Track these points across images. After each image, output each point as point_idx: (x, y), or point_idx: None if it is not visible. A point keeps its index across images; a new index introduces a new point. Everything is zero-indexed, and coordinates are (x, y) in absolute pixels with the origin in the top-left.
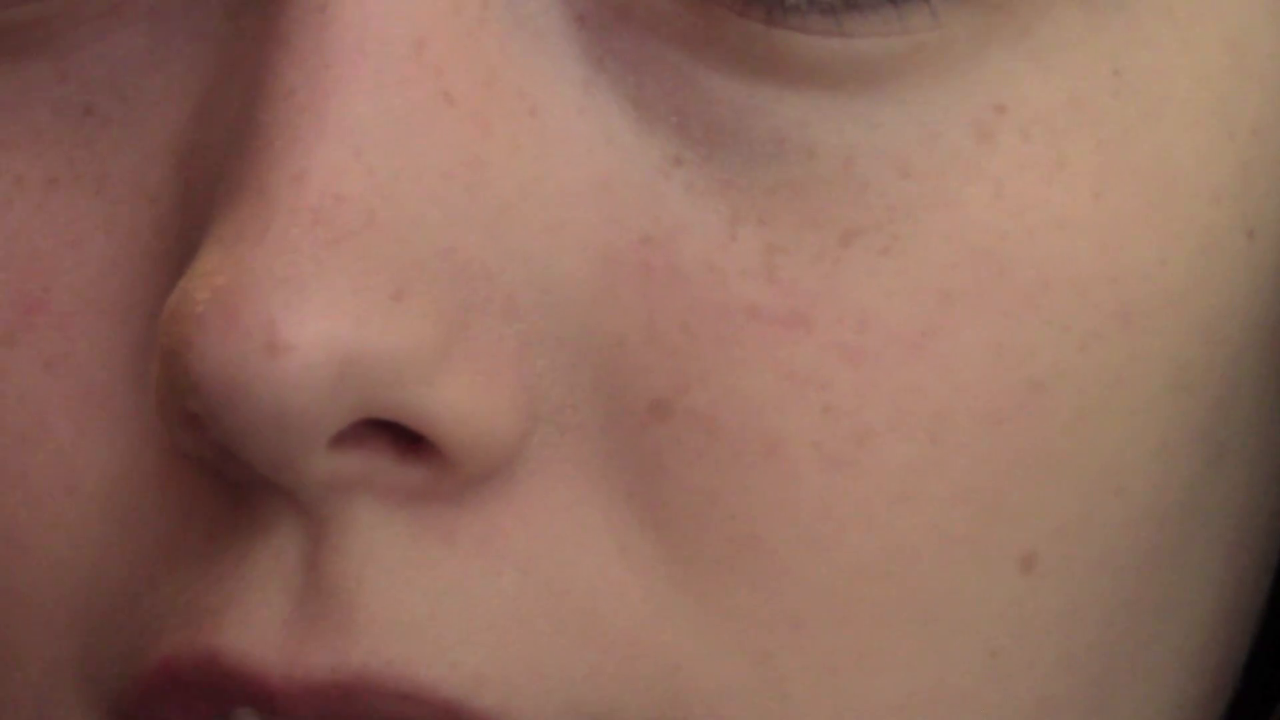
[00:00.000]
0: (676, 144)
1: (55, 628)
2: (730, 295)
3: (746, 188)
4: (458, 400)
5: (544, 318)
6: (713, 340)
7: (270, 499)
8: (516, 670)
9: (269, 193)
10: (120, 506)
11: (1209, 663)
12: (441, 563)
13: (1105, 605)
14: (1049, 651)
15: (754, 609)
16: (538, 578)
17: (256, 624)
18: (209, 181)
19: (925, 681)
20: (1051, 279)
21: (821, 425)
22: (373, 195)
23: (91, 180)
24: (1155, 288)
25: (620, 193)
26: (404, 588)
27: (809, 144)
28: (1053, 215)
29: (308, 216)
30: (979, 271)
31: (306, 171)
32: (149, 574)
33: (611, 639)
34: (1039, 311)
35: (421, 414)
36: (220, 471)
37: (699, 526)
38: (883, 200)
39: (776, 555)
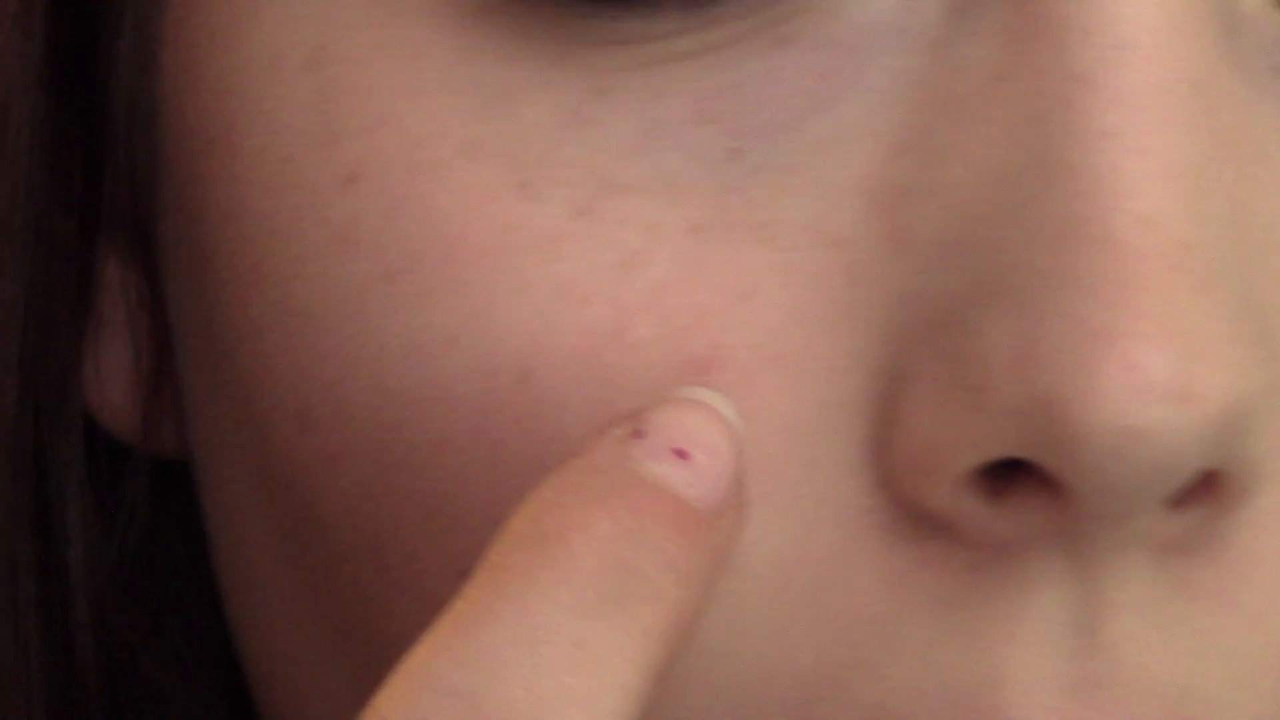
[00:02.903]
0: None
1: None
2: None
3: None
4: (1268, 444)
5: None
6: None
7: (1041, 559)
8: None
9: (1117, 237)
10: (798, 582)
11: None
12: (1189, 618)
13: None
14: None
15: None
16: (1267, 628)
17: (1043, 694)
18: (954, 225)
19: None
20: None
21: None
22: (1207, 242)
23: (749, 228)
24: None
25: None
26: (1173, 645)
27: None
28: None
29: (1168, 263)
30: None
31: (1153, 217)
32: (854, 654)
33: None
34: None
35: (1251, 459)
36: (961, 534)
37: None
38: None
39: None
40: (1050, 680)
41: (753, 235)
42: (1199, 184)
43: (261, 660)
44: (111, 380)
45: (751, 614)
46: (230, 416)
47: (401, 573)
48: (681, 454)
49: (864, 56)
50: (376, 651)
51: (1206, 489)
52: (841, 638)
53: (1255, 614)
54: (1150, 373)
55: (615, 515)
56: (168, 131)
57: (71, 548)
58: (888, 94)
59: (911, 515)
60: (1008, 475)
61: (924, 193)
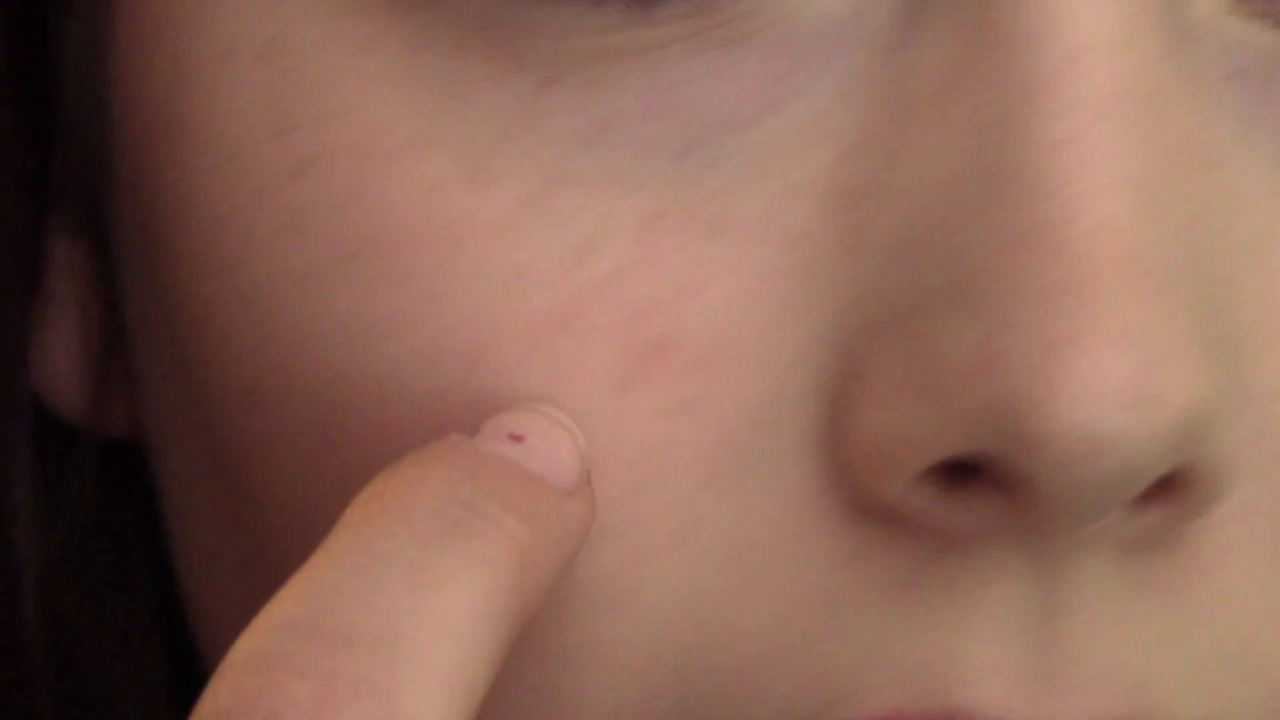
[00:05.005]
0: None
1: (648, 684)
2: None
3: None
4: (1236, 444)
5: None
6: None
7: (999, 552)
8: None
9: (1072, 247)
10: (747, 558)
11: None
12: (1148, 613)
13: None
14: None
15: None
16: (1222, 624)
17: (998, 680)
18: (910, 227)
19: None
20: None
21: None
22: (1161, 248)
23: (702, 222)
24: None
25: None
26: (1130, 639)
27: None
28: None
29: (1123, 270)
30: None
31: (1107, 225)
32: (799, 627)
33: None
34: None
35: (1218, 460)
36: (916, 525)
37: None
38: None
39: None
40: (1006, 668)
41: (706, 228)
42: (1152, 192)
43: (209, 637)
44: (60, 360)
45: (699, 584)
46: (179, 394)
47: None
48: (517, 438)
49: (815, 58)
50: None
51: (1170, 490)
52: (792, 611)
53: (1218, 606)
54: (1111, 379)
55: (452, 466)
56: (120, 116)
57: (18, 526)
58: (839, 96)
59: (865, 500)
60: (964, 472)
61: (878, 194)
